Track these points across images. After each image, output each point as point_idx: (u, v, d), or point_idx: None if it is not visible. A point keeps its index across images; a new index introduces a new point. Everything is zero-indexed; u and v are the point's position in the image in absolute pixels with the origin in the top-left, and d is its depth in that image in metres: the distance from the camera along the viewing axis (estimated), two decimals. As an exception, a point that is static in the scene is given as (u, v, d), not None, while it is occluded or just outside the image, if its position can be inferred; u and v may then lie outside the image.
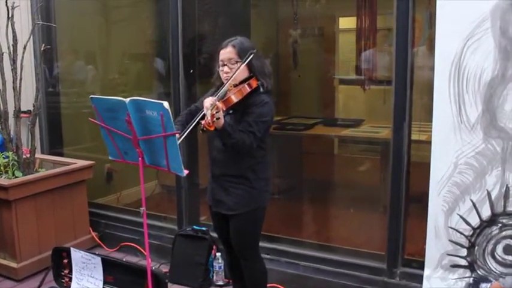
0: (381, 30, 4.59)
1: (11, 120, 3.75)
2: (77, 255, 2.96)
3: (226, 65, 2.43)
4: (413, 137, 2.95)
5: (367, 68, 4.50)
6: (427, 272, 2.70)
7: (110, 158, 2.47)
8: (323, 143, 5.94)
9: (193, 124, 2.32)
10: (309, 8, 6.12)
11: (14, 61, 3.62)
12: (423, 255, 2.77)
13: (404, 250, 2.96)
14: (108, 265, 2.89)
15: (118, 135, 2.30)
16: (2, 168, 3.63)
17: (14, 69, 3.63)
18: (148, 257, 2.48)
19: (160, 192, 4.76)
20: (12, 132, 3.73)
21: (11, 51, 3.62)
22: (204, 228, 3.44)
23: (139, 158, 2.28)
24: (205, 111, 2.15)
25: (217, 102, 2.16)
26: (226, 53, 2.43)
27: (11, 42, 3.61)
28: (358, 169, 5.69)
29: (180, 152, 3.48)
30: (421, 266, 2.77)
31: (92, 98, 2.29)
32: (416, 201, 3.20)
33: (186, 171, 2.19)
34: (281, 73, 6.81)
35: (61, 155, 4.42)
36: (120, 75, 5.05)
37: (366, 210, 4.55)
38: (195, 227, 3.49)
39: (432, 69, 2.58)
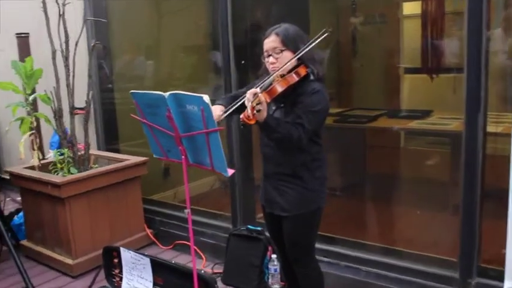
0: (448, 15, 4.22)
1: (67, 117, 3.74)
2: (126, 255, 2.88)
3: (271, 55, 2.22)
4: (489, 128, 2.62)
5: (435, 55, 4.13)
6: (507, 284, 2.36)
7: (154, 156, 2.34)
8: (387, 136, 5.60)
9: (236, 106, 2.11)
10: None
11: (66, 58, 3.61)
12: (502, 264, 2.43)
13: (480, 257, 2.63)
14: (157, 266, 2.78)
15: (160, 132, 2.16)
16: (58, 165, 3.64)
17: (66, 66, 3.62)
18: (195, 261, 2.33)
19: (219, 188, 4.63)
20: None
21: (63, 49, 3.60)
22: (259, 228, 3.26)
23: (182, 156, 2.12)
24: (246, 103, 1.95)
25: (260, 94, 1.95)
26: (270, 42, 2.22)
27: (63, 40, 3.59)
28: (426, 163, 5.30)
29: (235, 144, 3.46)
30: (499, 276, 2.43)
31: (132, 93, 2.16)
32: (494, 200, 2.84)
33: (231, 171, 2.02)
34: (342, 62, 6.51)
35: (117, 151, 4.41)
36: (175, 68, 4.97)
37: (435, 210, 4.19)
38: (249, 226, 3.32)
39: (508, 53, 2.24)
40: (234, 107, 2.11)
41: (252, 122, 1.92)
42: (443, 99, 5.78)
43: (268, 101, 2.06)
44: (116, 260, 2.97)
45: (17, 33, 4.67)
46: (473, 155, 2.49)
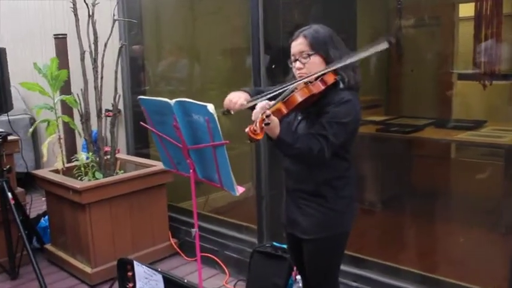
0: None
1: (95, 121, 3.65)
2: (139, 269, 2.72)
3: (298, 59, 1.97)
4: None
5: (489, 60, 3.75)
6: None
7: (164, 167, 2.15)
8: (433, 146, 5.23)
9: (264, 98, 1.86)
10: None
11: (94, 60, 3.51)
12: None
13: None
14: (170, 284, 2.59)
15: (169, 143, 1.97)
16: (82, 169, 3.54)
17: (94, 68, 3.52)
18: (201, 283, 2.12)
19: (252, 197, 4.43)
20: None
21: (92, 50, 3.50)
22: (284, 246, 3.01)
23: (191, 170, 1.93)
24: (253, 117, 1.70)
25: (268, 110, 1.69)
26: (297, 45, 1.96)
27: (92, 41, 3.50)
28: (476, 178, 4.90)
29: (263, 153, 3.22)
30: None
31: (140, 99, 1.99)
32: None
33: (240, 189, 1.80)
34: (391, 68, 6.16)
35: (147, 155, 4.28)
36: (212, 71, 4.81)
37: (484, 229, 3.82)
38: (275, 243, 3.08)
39: None
40: (260, 100, 1.86)
41: (260, 137, 1.67)
42: (498, 108, 5.34)
43: (286, 112, 1.81)
44: (130, 273, 2.82)
45: (54, 34, 4.64)
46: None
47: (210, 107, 1.64)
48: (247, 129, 1.66)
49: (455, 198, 4.57)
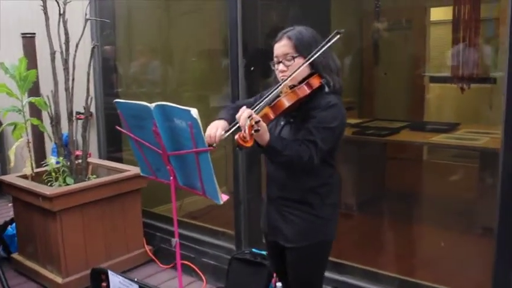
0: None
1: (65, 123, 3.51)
2: (115, 279, 2.61)
3: (281, 61, 1.92)
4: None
5: (464, 63, 3.78)
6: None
7: (141, 174, 2.06)
8: (407, 148, 5.27)
9: (234, 128, 1.78)
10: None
11: (66, 60, 3.37)
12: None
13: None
14: (147, 294, 2.50)
15: (147, 148, 1.88)
16: (52, 174, 3.39)
17: (65, 69, 3.38)
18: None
19: (228, 202, 4.34)
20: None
21: (63, 50, 3.37)
22: (263, 253, 2.95)
23: (171, 177, 1.84)
24: (240, 123, 1.63)
25: (254, 115, 1.63)
26: (281, 46, 1.90)
27: (63, 41, 3.36)
28: (450, 179, 4.96)
29: (241, 157, 3.15)
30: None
31: (116, 102, 1.89)
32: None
33: (224, 197, 1.72)
34: (364, 71, 6.19)
35: (120, 160, 4.15)
36: (186, 74, 4.71)
37: (460, 231, 3.84)
38: (254, 250, 3.02)
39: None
40: (238, 124, 1.76)
41: (249, 144, 1.60)
42: (470, 111, 5.42)
43: (273, 117, 1.76)
44: (104, 284, 2.71)
45: (22, 33, 4.46)
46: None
47: (194, 112, 1.56)
48: (236, 137, 1.58)
49: (430, 200, 4.61)
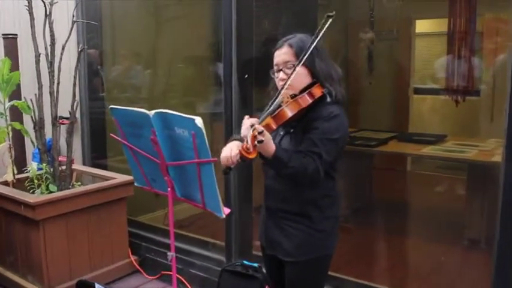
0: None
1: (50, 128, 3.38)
2: (102, 292, 2.50)
3: (282, 69, 1.86)
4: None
5: (452, 75, 3.79)
6: None
7: (135, 184, 1.97)
8: (395, 159, 5.27)
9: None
10: (383, 9, 5.48)
11: (51, 63, 3.26)
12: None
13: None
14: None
15: (144, 158, 1.79)
16: (35, 181, 3.26)
17: (50, 72, 3.26)
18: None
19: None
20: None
21: (48, 52, 3.25)
22: (255, 265, 2.86)
23: (169, 189, 1.76)
24: (243, 132, 1.56)
25: (257, 125, 1.56)
26: (282, 54, 1.85)
27: (48, 43, 3.24)
28: (437, 191, 4.98)
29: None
30: None
31: (111, 108, 1.80)
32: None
33: (227, 210, 1.65)
34: (350, 80, 6.20)
35: (105, 167, 4.03)
36: (174, 79, 4.63)
37: (447, 243, 3.85)
38: (245, 262, 2.92)
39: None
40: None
41: (253, 156, 1.54)
42: (458, 122, 5.46)
43: (275, 127, 1.69)
44: (90, 297, 2.59)
45: (3, 34, 4.32)
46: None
47: (198, 121, 1.49)
48: (239, 148, 1.51)
49: (418, 211, 4.61)
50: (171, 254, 1.93)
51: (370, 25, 5.36)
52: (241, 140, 1.69)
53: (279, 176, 1.88)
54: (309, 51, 1.78)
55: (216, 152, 3.31)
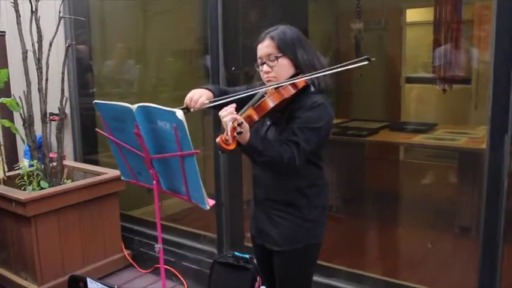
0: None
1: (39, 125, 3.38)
2: (94, 286, 2.52)
3: (265, 62, 1.87)
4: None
5: (444, 65, 3.80)
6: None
7: (122, 178, 1.98)
8: (386, 148, 5.29)
9: (225, 101, 1.75)
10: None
11: (38, 60, 3.25)
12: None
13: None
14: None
15: (129, 151, 1.81)
16: (26, 178, 3.26)
17: (38, 69, 3.25)
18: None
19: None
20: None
21: (36, 49, 3.24)
22: (246, 256, 2.90)
23: (154, 182, 1.77)
24: (223, 123, 1.57)
25: (238, 116, 1.57)
26: (264, 47, 1.85)
27: (35, 39, 3.24)
28: (428, 179, 5.00)
29: (221, 158, 3.08)
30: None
31: (95, 103, 1.81)
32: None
33: (211, 202, 1.66)
34: (343, 71, 6.21)
35: (96, 162, 4.04)
36: (163, 73, 4.63)
37: (439, 231, 3.88)
38: (236, 253, 2.95)
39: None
40: (224, 101, 1.76)
41: (232, 147, 1.54)
42: (448, 111, 5.48)
43: (257, 118, 1.70)
44: (82, 292, 2.61)
45: (-9, 31, 4.31)
46: (498, 184, 2.13)
47: (179, 114, 1.50)
48: (218, 139, 1.52)
49: (410, 200, 4.64)
50: (158, 246, 1.94)
51: (360, 15, 5.36)
52: (212, 92, 1.81)
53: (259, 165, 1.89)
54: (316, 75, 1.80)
55: (209, 144, 3.33)
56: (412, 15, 6.11)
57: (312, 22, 4.69)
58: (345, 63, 1.72)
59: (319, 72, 1.77)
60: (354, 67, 1.69)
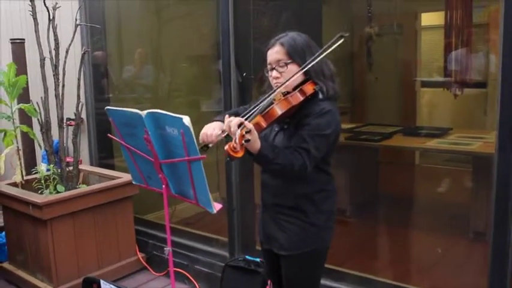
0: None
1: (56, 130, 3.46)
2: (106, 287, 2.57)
3: (274, 68, 1.89)
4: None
5: (456, 69, 3.78)
6: None
7: (133, 182, 2.03)
8: (401, 153, 5.27)
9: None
10: (387, 3, 5.47)
11: (55, 66, 3.33)
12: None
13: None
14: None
15: (139, 156, 1.85)
16: (43, 181, 3.34)
17: (55, 75, 3.34)
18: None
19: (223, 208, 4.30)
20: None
21: (53, 56, 3.33)
22: (257, 260, 2.93)
23: (163, 186, 1.81)
24: (232, 131, 1.59)
25: (246, 123, 1.60)
26: (274, 53, 1.88)
27: (52, 46, 3.32)
28: (443, 184, 4.97)
29: (234, 163, 3.11)
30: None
31: (107, 109, 1.86)
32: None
33: (217, 206, 1.70)
34: (356, 75, 6.21)
35: (112, 167, 4.11)
36: (178, 79, 4.69)
37: (453, 235, 3.85)
38: (247, 257, 2.98)
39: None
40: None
41: (240, 155, 1.56)
42: (462, 115, 5.44)
43: (265, 126, 1.73)
44: (96, 293, 2.67)
45: (11, 39, 4.42)
46: (507, 189, 2.12)
47: (186, 120, 1.54)
48: (226, 147, 1.55)
49: (424, 205, 4.62)
50: (168, 249, 1.97)
51: (376, 20, 5.36)
52: (223, 121, 1.73)
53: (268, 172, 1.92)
54: (313, 61, 1.81)
55: (220, 149, 3.37)
56: (427, 19, 6.09)
57: (327, 26, 4.70)
58: (324, 47, 1.80)
59: (309, 63, 1.79)
60: (335, 47, 1.78)
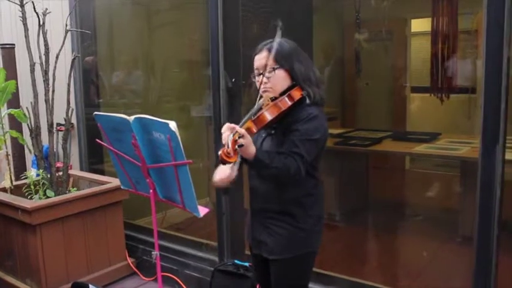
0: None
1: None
2: (96, 294, 2.57)
3: (262, 73, 1.92)
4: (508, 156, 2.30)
5: (442, 75, 3.83)
6: None
7: (121, 187, 2.04)
8: (391, 158, 5.31)
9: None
10: (377, 10, 5.52)
11: (45, 72, 3.34)
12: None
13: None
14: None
15: (127, 161, 1.87)
16: (32, 187, 3.34)
17: (45, 81, 3.34)
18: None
19: (211, 212, 4.32)
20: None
21: (43, 62, 3.34)
22: (246, 264, 2.94)
23: (151, 190, 1.83)
24: (223, 139, 1.62)
25: (238, 128, 1.62)
26: (261, 58, 1.91)
27: (43, 52, 3.33)
28: (432, 189, 5.01)
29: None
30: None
31: (95, 115, 1.88)
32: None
33: (203, 210, 1.72)
34: (346, 81, 6.25)
35: (101, 171, 4.11)
36: (168, 84, 4.71)
37: (442, 239, 3.88)
38: (236, 261, 3.00)
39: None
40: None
41: (233, 160, 1.58)
42: (451, 120, 5.50)
43: (255, 131, 1.75)
44: (85, 298, 2.67)
45: (1, 44, 4.42)
46: (490, 192, 2.16)
47: (172, 125, 1.55)
48: (220, 152, 1.57)
49: (413, 209, 4.65)
50: (155, 253, 1.98)
51: (360, 27, 5.41)
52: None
53: (261, 177, 1.94)
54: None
55: (212, 155, 3.37)
56: (417, 25, 6.16)
57: (317, 33, 4.75)
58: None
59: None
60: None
